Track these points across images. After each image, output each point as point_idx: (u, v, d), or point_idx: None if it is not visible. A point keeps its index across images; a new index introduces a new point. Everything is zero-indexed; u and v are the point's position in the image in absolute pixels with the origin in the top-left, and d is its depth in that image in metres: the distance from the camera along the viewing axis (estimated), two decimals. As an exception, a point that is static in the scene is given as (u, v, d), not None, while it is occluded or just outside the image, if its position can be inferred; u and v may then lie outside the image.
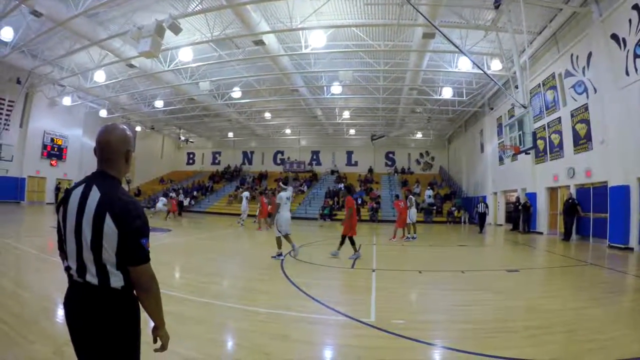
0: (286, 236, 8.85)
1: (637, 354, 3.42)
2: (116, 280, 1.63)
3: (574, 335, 3.98)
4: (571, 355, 3.48)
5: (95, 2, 13.57)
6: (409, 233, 14.13)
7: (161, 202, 22.95)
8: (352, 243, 9.03)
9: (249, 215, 19.96)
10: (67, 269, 1.70)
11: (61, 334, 3.65)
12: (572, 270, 8.40)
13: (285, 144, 40.41)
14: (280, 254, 8.68)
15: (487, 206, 19.14)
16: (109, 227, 1.58)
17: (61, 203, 1.73)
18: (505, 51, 15.12)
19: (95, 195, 1.63)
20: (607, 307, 5.12)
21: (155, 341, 1.78)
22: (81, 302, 1.64)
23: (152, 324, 1.76)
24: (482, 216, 18.66)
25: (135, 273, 1.65)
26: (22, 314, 4.13)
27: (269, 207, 16.67)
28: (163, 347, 1.79)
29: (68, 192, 1.74)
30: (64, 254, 1.73)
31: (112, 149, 1.74)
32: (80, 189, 1.69)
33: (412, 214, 14.24)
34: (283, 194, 8.96)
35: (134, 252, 1.63)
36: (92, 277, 1.61)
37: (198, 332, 3.89)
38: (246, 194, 20.76)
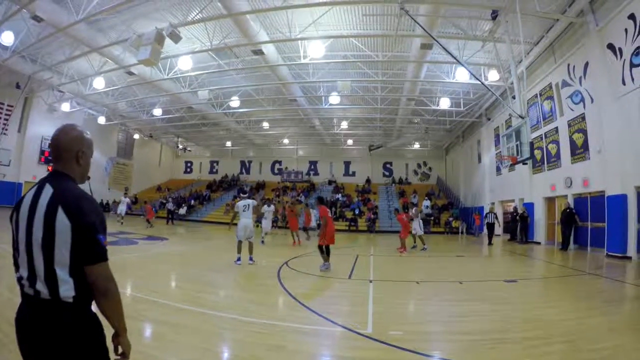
0: (239, 242, 9.17)
1: (638, 365, 3.38)
2: (66, 289, 1.48)
3: (573, 346, 3.93)
4: (571, 366, 3.43)
5: (96, 9, 13.63)
6: (414, 242, 14.12)
7: (123, 204, 22.59)
8: (323, 252, 8.77)
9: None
10: (19, 279, 1.56)
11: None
12: (571, 280, 8.36)
13: (283, 153, 40.44)
14: (251, 259, 9.14)
15: (496, 217, 18.59)
16: (61, 222, 1.48)
17: (14, 210, 1.63)
18: (503, 62, 15.23)
19: (47, 191, 1.55)
20: (606, 316, 5.08)
21: (116, 350, 1.66)
22: (31, 318, 1.51)
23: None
24: (491, 227, 17.92)
25: (91, 273, 1.52)
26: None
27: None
28: (124, 356, 1.66)
29: (22, 197, 1.63)
30: (17, 265, 1.62)
31: (61, 148, 1.67)
32: (33, 190, 1.61)
33: (417, 225, 14.00)
34: (239, 203, 9.45)
35: (89, 248, 1.51)
36: (41, 286, 1.48)
37: (193, 342, 3.83)
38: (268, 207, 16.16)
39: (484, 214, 19.47)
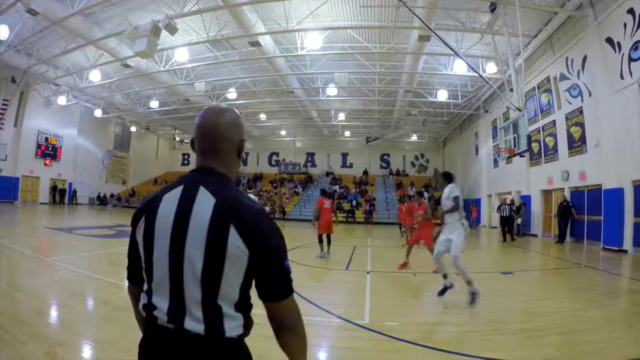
0: None
1: (632, 355, 3.42)
2: (234, 327, 1.12)
3: (569, 337, 3.98)
4: (566, 357, 3.48)
5: (91, 1, 13.52)
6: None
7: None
8: (320, 241, 9.27)
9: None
10: (148, 307, 1.16)
11: (54, 335, 3.61)
12: (567, 273, 8.42)
13: (281, 145, 40.35)
14: None
15: (511, 208, 16.17)
16: (236, 246, 1.08)
17: (143, 213, 1.21)
18: (501, 54, 15.18)
19: (206, 200, 1.12)
20: (602, 309, 5.13)
21: None
22: (172, 357, 1.11)
23: None
24: (507, 221, 15.60)
25: (278, 310, 1.18)
26: (14, 314, 4.06)
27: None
28: None
29: (154, 198, 1.22)
30: (137, 288, 1.27)
31: (221, 137, 1.24)
32: (176, 192, 1.18)
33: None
34: None
35: (275, 282, 1.15)
36: (195, 324, 1.09)
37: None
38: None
39: (497, 206, 17.53)
